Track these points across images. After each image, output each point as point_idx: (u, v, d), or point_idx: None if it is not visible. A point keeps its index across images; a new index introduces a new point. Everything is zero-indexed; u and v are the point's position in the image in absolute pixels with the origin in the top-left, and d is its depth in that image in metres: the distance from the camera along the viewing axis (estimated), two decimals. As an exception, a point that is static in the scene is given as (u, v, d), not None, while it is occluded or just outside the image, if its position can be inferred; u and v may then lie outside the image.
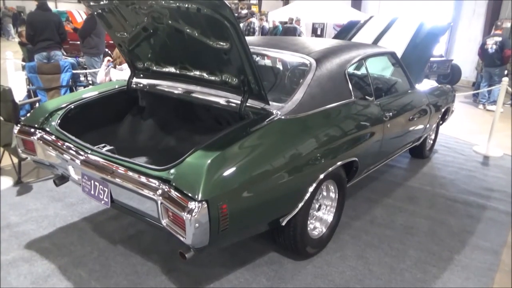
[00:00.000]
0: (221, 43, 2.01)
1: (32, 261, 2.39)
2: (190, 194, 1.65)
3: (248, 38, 2.61)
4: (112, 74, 4.76)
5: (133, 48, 2.60)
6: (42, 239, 2.64)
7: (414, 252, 2.68)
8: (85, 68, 6.16)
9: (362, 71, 3.12)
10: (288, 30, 11.23)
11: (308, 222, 2.50)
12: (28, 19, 5.26)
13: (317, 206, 2.55)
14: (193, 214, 1.60)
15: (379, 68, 4.01)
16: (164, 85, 2.71)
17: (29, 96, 4.85)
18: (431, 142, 4.68)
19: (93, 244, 2.59)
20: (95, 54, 6.03)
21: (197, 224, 1.62)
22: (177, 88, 2.60)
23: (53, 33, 5.20)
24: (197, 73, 2.39)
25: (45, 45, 5.15)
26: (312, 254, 2.49)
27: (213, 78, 2.31)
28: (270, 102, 2.25)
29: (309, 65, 2.53)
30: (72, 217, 2.90)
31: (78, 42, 6.38)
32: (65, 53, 7.97)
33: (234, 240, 2.06)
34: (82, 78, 6.25)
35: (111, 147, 2.28)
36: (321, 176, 2.26)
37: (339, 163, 2.41)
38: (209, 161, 1.73)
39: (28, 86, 4.97)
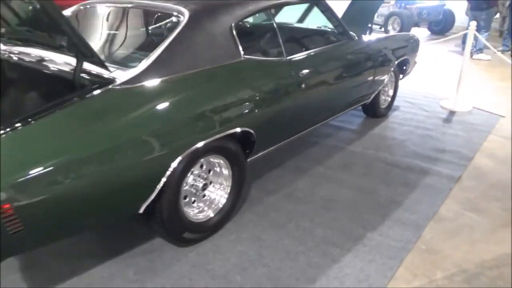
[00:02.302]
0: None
1: None
2: None
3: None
4: None
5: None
6: None
7: (321, 230, 2.35)
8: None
9: (273, 24, 2.65)
10: None
11: (192, 205, 2.19)
12: None
13: (200, 185, 2.21)
14: None
15: (315, 20, 3.52)
16: (22, 52, 2.30)
17: None
18: (389, 99, 4.23)
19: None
20: None
21: None
22: (30, 55, 2.21)
23: None
24: (39, 37, 2.00)
25: None
26: (194, 240, 2.19)
27: (52, 42, 1.93)
28: (119, 69, 1.87)
29: (180, 20, 2.11)
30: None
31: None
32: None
33: (54, 239, 1.71)
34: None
35: None
36: (189, 150, 1.90)
37: (216, 136, 2.03)
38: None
39: None
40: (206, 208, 2.24)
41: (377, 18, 10.29)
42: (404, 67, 4.21)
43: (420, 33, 10.20)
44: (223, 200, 2.30)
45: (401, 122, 4.07)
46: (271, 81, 2.39)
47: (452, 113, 4.36)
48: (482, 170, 3.11)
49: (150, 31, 2.52)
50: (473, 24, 4.23)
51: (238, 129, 2.15)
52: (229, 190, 2.32)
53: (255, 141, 2.34)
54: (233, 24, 2.23)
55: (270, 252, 2.17)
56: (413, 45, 4.20)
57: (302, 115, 2.71)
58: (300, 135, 2.86)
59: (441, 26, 9.60)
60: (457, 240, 2.30)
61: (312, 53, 2.82)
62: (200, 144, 1.95)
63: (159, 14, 2.29)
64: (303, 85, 2.60)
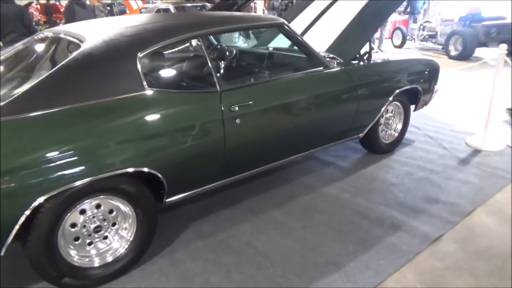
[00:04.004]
0: None
1: None
2: None
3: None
4: None
5: None
6: None
7: (227, 291, 2.03)
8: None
9: (203, 53, 2.41)
10: None
11: (85, 248, 2.04)
12: None
13: (92, 227, 2.04)
14: None
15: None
16: None
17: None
18: (395, 134, 3.69)
19: None
20: None
21: None
22: None
23: (16, 25, 5.27)
24: None
25: (9, 39, 5.26)
26: (75, 286, 2.01)
27: None
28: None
29: (77, 49, 2.01)
30: None
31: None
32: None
33: None
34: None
35: None
36: (53, 193, 1.75)
37: (89, 178, 1.84)
38: None
39: None
40: (93, 256, 2.06)
41: (440, 38, 9.39)
42: (417, 98, 3.65)
43: (489, 53, 9.06)
44: (121, 248, 2.11)
45: (405, 161, 3.50)
46: (185, 117, 2.16)
47: (476, 152, 3.66)
48: (474, 231, 2.49)
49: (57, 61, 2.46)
50: (504, 47, 3.52)
51: (128, 170, 1.96)
52: (132, 237, 2.13)
53: (165, 183, 2.13)
54: (139, 55, 2.06)
55: (154, 311, 1.93)
56: (427, 72, 3.63)
57: (238, 155, 2.42)
58: (243, 176, 2.55)
59: (516, 45, 8.38)
60: (385, 325, 1.82)
61: (258, 84, 2.54)
62: (66, 187, 1.79)
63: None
64: (237, 121, 2.33)
